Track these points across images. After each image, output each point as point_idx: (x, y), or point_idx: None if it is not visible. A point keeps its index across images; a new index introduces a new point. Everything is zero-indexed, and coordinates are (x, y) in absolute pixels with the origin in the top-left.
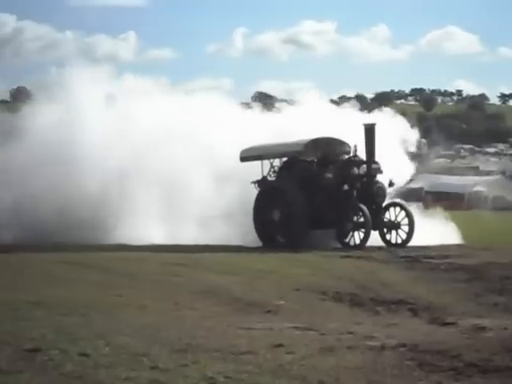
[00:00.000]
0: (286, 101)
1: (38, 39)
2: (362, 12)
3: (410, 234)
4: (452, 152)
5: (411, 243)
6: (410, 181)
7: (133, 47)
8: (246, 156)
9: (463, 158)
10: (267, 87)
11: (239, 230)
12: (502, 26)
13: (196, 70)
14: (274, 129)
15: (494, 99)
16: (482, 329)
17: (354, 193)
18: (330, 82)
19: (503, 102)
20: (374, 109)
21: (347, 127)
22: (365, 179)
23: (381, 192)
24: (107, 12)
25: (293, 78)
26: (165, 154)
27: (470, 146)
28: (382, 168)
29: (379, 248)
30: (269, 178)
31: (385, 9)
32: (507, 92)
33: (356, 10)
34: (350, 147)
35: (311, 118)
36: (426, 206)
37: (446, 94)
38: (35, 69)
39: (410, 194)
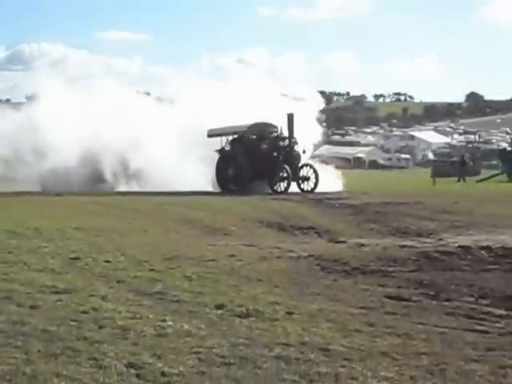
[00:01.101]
0: None
1: (78, 61)
2: (286, 41)
3: (316, 184)
4: (343, 131)
5: (317, 190)
6: (315, 150)
7: (139, 65)
8: (211, 134)
9: (350, 135)
10: None
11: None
12: (377, 46)
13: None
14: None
15: (370, 98)
16: (362, 245)
17: (281, 158)
18: None
19: (376, 100)
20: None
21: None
22: (287, 149)
23: (297, 157)
24: (123, 42)
25: None
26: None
27: (354, 128)
28: (298, 141)
29: (296, 193)
30: (226, 148)
31: (300, 39)
32: (379, 93)
33: (282, 41)
34: (277, 128)
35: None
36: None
37: (339, 94)
38: (75, 79)
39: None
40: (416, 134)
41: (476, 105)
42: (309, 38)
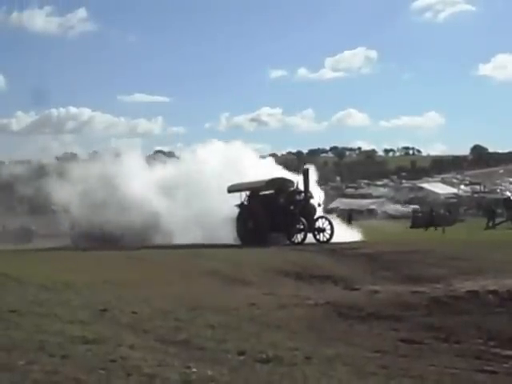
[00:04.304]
0: None
1: (103, 122)
2: (297, 101)
3: (331, 235)
4: (355, 184)
5: (332, 241)
6: (331, 203)
7: (160, 126)
8: (231, 189)
9: (362, 188)
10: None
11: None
12: (385, 104)
13: (198, 140)
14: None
15: (380, 152)
16: (376, 292)
17: (297, 210)
18: (279, 145)
19: (386, 154)
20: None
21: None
22: (303, 202)
23: (313, 210)
24: (145, 105)
25: (256, 142)
26: None
27: (366, 181)
28: (314, 195)
29: (312, 244)
30: (245, 203)
31: (310, 99)
32: (389, 148)
33: (294, 100)
34: (293, 183)
35: None
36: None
37: (351, 149)
38: (101, 140)
39: (330, 211)
40: (424, 185)
41: (480, 157)
42: (319, 97)
